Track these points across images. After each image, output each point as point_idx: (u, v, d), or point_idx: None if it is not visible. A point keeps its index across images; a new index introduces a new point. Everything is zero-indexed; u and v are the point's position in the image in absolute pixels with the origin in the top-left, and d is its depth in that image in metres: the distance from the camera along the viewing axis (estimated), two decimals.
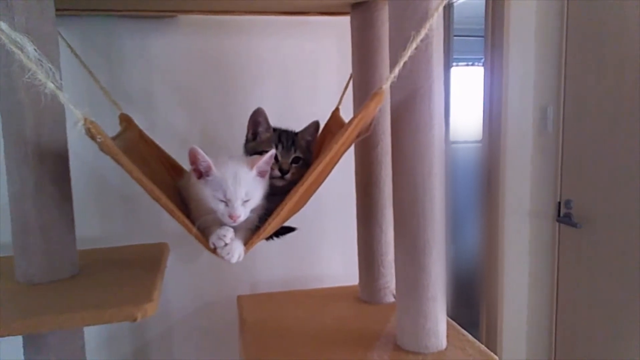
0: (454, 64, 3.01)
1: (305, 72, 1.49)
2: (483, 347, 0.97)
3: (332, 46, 1.49)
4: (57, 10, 0.92)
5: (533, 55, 1.85)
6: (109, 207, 1.40)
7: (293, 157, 1.10)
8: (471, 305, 2.30)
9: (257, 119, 1.13)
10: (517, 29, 1.83)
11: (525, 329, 1.99)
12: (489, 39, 1.93)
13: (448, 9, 2.84)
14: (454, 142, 3.09)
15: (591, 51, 1.68)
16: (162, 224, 1.41)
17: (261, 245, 1.38)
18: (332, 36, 1.48)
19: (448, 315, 1.00)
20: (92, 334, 1.40)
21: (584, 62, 1.73)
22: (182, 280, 1.47)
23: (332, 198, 1.49)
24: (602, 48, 1.63)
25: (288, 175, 1.07)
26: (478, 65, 3.35)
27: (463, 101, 3.17)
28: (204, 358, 1.51)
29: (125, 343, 1.46)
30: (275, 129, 1.14)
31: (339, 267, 1.57)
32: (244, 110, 1.19)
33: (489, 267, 2.03)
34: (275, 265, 1.54)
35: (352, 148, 1.23)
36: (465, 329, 1.06)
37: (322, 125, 1.20)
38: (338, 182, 1.36)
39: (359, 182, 1.25)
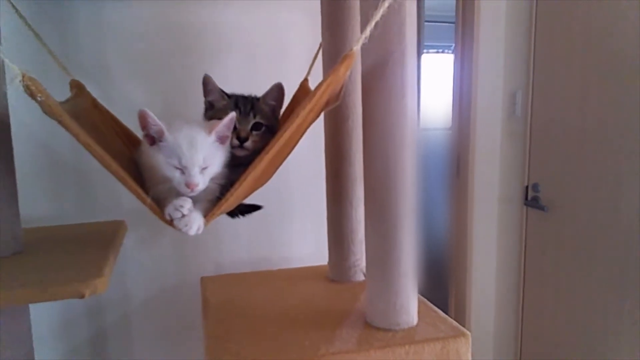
0: (425, 51, 3.01)
1: (271, 42, 1.43)
2: (455, 322, 0.95)
3: (299, 15, 1.43)
4: None
5: (503, 40, 1.87)
6: (61, 184, 1.31)
7: (253, 124, 1.01)
8: (440, 287, 2.31)
9: (206, 87, 1.05)
10: (488, 15, 1.84)
11: (493, 309, 2.03)
12: (460, 24, 1.94)
13: None
14: (424, 129, 3.11)
15: (560, 37, 1.71)
16: (120, 202, 1.33)
17: (227, 224, 1.32)
18: (299, 5, 1.42)
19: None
20: (44, 320, 1.32)
21: (553, 48, 1.75)
22: (143, 262, 1.40)
23: (301, 175, 1.44)
24: (570, 34, 1.65)
25: (248, 144, 0.99)
26: (448, 53, 3.36)
27: (433, 88, 3.18)
28: (165, 343, 1.45)
29: (81, 329, 1.38)
30: (231, 95, 1.07)
31: (307, 247, 1.53)
32: None
33: (458, 248, 2.05)
34: (242, 246, 1.49)
35: (321, 122, 1.18)
36: None
37: (288, 94, 1.14)
38: (307, 158, 1.32)
39: (328, 158, 1.20)
